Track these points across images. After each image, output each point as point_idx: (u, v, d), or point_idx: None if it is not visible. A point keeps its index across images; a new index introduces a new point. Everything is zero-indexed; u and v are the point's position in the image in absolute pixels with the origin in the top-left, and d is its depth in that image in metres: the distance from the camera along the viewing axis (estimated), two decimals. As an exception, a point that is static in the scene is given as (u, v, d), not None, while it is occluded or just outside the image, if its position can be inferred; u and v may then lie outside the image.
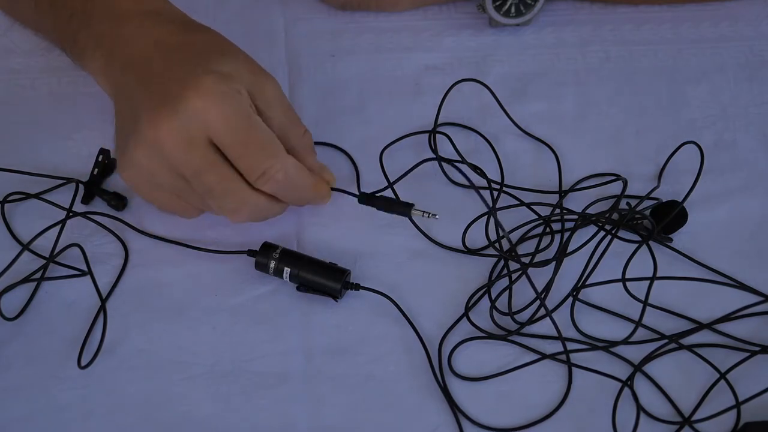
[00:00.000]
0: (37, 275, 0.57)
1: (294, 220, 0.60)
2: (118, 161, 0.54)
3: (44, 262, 0.57)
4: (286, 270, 0.56)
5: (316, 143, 0.61)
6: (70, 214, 0.58)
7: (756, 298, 0.58)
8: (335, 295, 0.57)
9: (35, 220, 0.59)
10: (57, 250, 0.57)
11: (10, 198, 0.60)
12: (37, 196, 0.59)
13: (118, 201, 0.60)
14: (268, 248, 0.57)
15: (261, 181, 0.51)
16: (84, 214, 0.59)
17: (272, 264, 0.57)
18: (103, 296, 0.57)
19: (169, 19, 0.55)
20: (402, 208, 0.57)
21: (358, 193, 0.58)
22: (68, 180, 0.60)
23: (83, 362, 0.54)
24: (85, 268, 0.58)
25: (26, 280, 0.57)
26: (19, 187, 0.60)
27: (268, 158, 0.51)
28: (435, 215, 0.57)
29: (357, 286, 0.57)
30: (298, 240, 0.60)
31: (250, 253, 0.57)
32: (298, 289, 0.57)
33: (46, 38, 0.62)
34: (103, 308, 0.56)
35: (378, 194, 0.58)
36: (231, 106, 0.50)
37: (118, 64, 0.54)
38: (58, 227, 0.58)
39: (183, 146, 0.50)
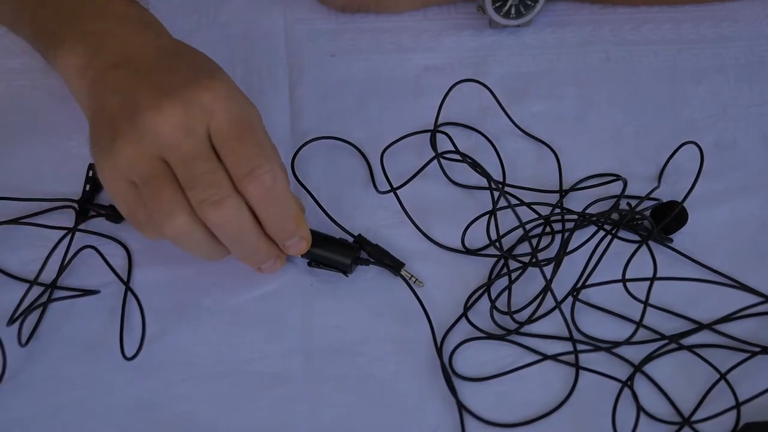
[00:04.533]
0: (44, 298, 0.57)
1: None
2: (99, 152, 0.52)
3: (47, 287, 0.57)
4: None
5: (325, 138, 0.61)
6: (72, 234, 0.58)
7: (756, 299, 0.58)
8: (345, 270, 0.57)
9: (31, 242, 0.58)
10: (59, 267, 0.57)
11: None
12: (29, 222, 0.59)
13: (117, 213, 0.58)
14: None
15: (248, 179, 0.50)
16: (88, 235, 0.59)
17: None
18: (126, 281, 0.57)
19: (165, 33, 0.56)
20: (392, 264, 0.58)
21: (355, 235, 0.59)
22: (63, 201, 0.59)
23: (129, 353, 0.54)
24: (85, 286, 0.58)
25: (31, 308, 0.56)
26: (14, 207, 0.59)
27: (259, 157, 0.50)
28: (421, 283, 0.58)
29: (367, 262, 0.57)
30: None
31: None
32: (309, 264, 0.57)
33: (18, 31, 0.61)
34: (129, 289, 0.57)
35: (374, 243, 0.58)
36: (236, 104, 0.51)
37: (110, 60, 0.53)
38: (63, 251, 0.58)
39: (182, 131, 0.49)
